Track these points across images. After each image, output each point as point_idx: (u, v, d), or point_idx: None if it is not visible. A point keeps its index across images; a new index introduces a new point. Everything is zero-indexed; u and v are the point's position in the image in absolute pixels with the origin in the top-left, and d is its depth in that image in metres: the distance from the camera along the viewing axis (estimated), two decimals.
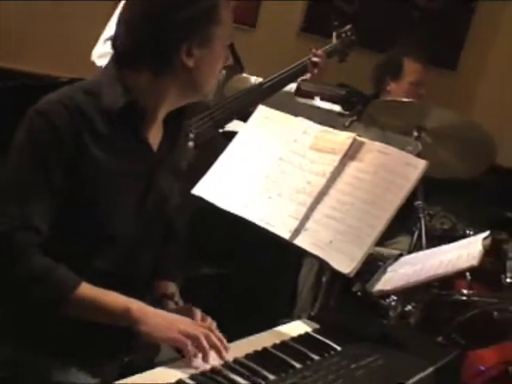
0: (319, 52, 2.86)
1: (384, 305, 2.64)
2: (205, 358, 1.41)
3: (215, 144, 2.45)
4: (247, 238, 3.31)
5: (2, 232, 1.39)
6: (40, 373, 1.46)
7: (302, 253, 3.15)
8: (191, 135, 2.48)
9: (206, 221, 3.12)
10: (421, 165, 1.73)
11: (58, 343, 1.47)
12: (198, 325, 1.48)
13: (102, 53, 2.61)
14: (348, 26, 3.08)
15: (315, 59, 2.84)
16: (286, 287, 3.27)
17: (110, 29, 2.59)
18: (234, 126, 2.65)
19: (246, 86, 2.89)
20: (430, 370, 1.56)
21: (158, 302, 1.65)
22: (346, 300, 2.86)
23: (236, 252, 3.34)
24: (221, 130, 2.76)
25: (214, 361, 1.42)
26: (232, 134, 2.02)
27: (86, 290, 1.42)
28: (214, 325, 1.53)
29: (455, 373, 1.71)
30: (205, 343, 1.41)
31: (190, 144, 2.37)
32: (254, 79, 2.96)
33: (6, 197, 1.43)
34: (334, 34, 3.05)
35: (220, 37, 1.53)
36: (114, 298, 1.43)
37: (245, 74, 3.00)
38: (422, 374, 1.53)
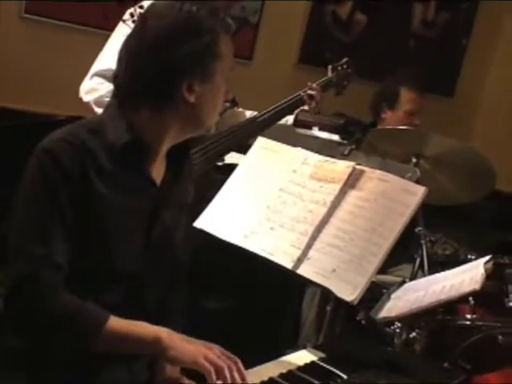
0: (314, 85, 2.88)
1: (389, 332, 2.65)
2: None
3: (208, 180, 2.46)
4: (250, 271, 3.35)
5: (30, 271, 1.42)
6: None
7: (303, 283, 3.21)
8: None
9: (208, 256, 3.14)
10: (420, 191, 1.75)
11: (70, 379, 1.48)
12: (225, 356, 1.47)
13: (88, 88, 2.62)
14: (344, 60, 3.10)
15: (311, 92, 2.86)
16: (289, 318, 3.26)
17: (97, 64, 2.62)
18: (231, 158, 2.66)
19: (241, 120, 2.89)
20: None
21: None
22: (350, 329, 2.86)
23: (239, 285, 3.35)
24: (219, 163, 2.77)
25: None
26: (228, 167, 2.04)
27: (116, 323, 1.45)
28: (239, 361, 1.49)
29: None
30: (227, 375, 1.42)
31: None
32: (249, 113, 2.98)
33: (26, 236, 1.46)
34: (330, 67, 3.07)
35: (221, 71, 1.56)
36: (144, 328, 1.47)
37: (240, 109, 3.01)
38: None
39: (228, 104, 2.76)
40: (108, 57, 2.54)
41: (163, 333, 1.46)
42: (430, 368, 1.86)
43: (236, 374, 1.44)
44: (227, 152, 2.75)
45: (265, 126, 2.78)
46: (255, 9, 3.91)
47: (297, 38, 4.13)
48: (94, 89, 2.58)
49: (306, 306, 3.17)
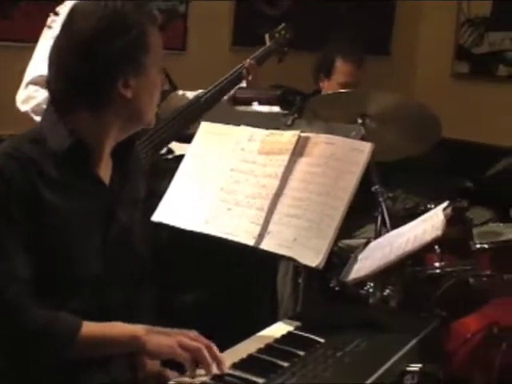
0: (249, 60, 2.88)
1: (363, 294, 2.68)
2: (207, 369, 1.42)
3: (157, 173, 2.44)
4: (218, 258, 3.35)
5: None
6: None
7: (274, 261, 3.23)
8: None
9: (173, 250, 3.13)
10: (367, 148, 1.76)
11: None
12: (198, 338, 1.48)
13: (24, 98, 2.59)
14: (281, 26, 3.08)
15: (247, 65, 2.86)
16: (266, 298, 3.28)
17: (29, 72, 2.58)
18: (180, 148, 2.65)
19: (183, 103, 2.87)
20: (414, 342, 1.59)
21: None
22: (325, 297, 2.88)
23: (209, 274, 3.35)
24: (169, 156, 2.75)
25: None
26: (177, 158, 2.03)
27: (90, 327, 1.45)
28: (213, 345, 1.49)
29: (439, 342, 1.74)
30: (206, 354, 1.43)
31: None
32: (191, 94, 2.96)
33: None
34: (267, 35, 3.06)
35: (153, 63, 1.55)
36: (120, 328, 1.47)
37: (180, 91, 2.98)
38: (406, 348, 1.55)
39: (168, 87, 2.74)
40: (39, 63, 2.50)
41: (139, 330, 1.46)
42: (404, 318, 1.88)
43: (215, 350, 1.45)
44: (173, 138, 2.73)
45: (207, 106, 2.77)
46: None
47: (227, 21, 4.12)
48: (31, 97, 2.55)
49: (281, 283, 3.19)
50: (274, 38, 3.06)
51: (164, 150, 2.73)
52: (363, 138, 1.85)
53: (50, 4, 3.16)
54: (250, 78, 2.76)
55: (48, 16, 2.55)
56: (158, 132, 2.69)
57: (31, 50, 2.62)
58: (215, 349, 1.47)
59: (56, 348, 1.42)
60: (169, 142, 2.72)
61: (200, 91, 2.89)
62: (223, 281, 3.33)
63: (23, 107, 2.58)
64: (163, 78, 1.66)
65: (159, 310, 2.28)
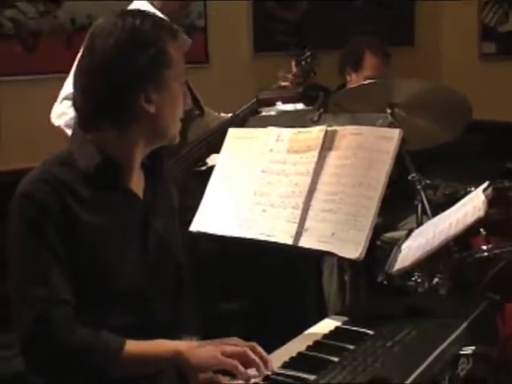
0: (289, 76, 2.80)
1: (411, 285, 2.64)
2: (258, 368, 1.42)
3: (189, 189, 2.44)
4: (261, 264, 3.34)
5: (38, 315, 1.42)
6: None
7: (318, 262, 3.20)
8: None
9: (216, 259, 3.14)
10: (395, 134, 1.74)
11: None
12: (240, 343, 1.48)
13: (58, 113, 2.63)
14: (307, 53, 2.97)
15: (284, 83, 2.81)
16: (313, 301, 3.26)
17: (65, 87, 2.62)
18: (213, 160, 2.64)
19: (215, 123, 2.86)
20: (464, 325, 1.56)
21: None
22: (373, 292, 2.85)
23: (256, 282, 3.35)
24: (203, 168, 2.75)
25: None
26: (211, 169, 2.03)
27: (133, 346, 1.46)
28: (257, 346, 1.49)
29: (491, 323, 1.70)
30: (253, 356, 1.43)
31: None
32: (221, 115, 2.96)
33: (24, 282, 1.46)
34: (293, 63, 2.96)
35: (174, 77, 1.56)
36: (163, 346, 1.48)
37: (221, 114, 2.98)
38: (457, 332, 1.53)
39: (197, 112, 2.75)
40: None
41: (181, 346, 1.48)
42: (453, 303, 1.85)
43: (260, 350, 1.45)
44: (204, 158, 2.73)
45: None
46: (199, 12, 3.91)
47: (246, 29, 4.13)
48: (64, 113, 2.60)
49: (326, 283, 3.17)
50: (300, 66, 2.96)
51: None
52: (390, 126, 1.82)
53: (72, 35, 3.24)
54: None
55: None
56: (189, 152, 2.69)
57: (55, 81, 2.66)
58: (259, 349, 1.47)
59: (100, 368, 1.43)
60: (199, 162, 2.72)
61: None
62: (268, 286, 3.33)
63: (57, 122, 2.64)
64: (185, 91, 1.66)
65: (204, 318, 2.28)
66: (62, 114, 2.60)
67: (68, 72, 2.36)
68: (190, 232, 1.93)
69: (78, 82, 1.55)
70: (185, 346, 1.48)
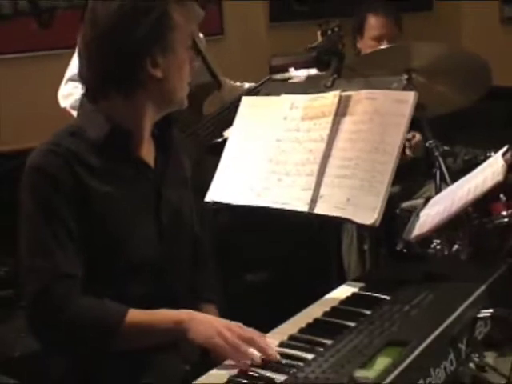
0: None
1: (431, 253, 2.62)
2: (244, 368, 1.36)
3: (204, 161, 2.43)
4: (280, 236, 3.34)
5: (40, 288, 1.43)
6: None
7: (338, 233, 3.19)
8: None
9: (237, 231, 3.14)
10: (410, 97, 1.72)
11: (118, 375, 1.48)
12: (242, 330, 1.44)
13: (64, 94, 2.64)
14: (334, 22, 2.81)
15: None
16: (332, 268, 3.25)
17: (70, 68, 2.61)
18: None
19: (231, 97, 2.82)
20: (483, 288, 1.55)
21: None
22: (393, 261, 2.84)
23: (276, 254, 3.35)
24: (219, 140, 2.72)
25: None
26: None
27: (136, 315, 1.45)
28: (259, 334, 1.45)
29: (510, 287, 1.68)
30: (241, 353, 1.37)
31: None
32: (241, 85, 2.92)
33: (30, 254, 1.47)
34: (319, 33, 2.91)
35: (180, 40, 1.54)
36: (165, 314, 1.47)
37: (237, 83, 2.94)
38: (474, 295, 1.51)
39: (214, 86, 2.73)
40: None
41: (184, 314, 1.46)
42: (471, 267, 1.84)
43: (261, 343, 1.39)
44: (219, 133, 2.70)
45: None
46: None
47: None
48: (70, 94, 2.60)
49: (346, 252, 3.16)
50: (327, 36, 2.89)
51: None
52: (405, 88, 1.80)
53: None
54: None
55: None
56: (204, 127, 2.67)
57: (71, 56, 2.65)
58: (259, 343, 1.40)
59: (103, 336, 1.43)
60: (215, 137, 2.69)
61: (246, 84, 2.82)
62: (287, 258, 3.33)
63: (63, 103, 2.64)
64: (192, 54, 1.64)
65: (227, 290, 2.29)
66: (68, 95, 2.61)
67: None
68: (208, 204, 1.92)
69: (83, 53, 1.55)
70: (187, 315, 1.46)
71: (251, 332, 1.44)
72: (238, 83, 2.99)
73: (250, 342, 1.39)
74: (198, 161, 2.42)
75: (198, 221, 1.75)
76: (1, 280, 2.84)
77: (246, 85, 2.87)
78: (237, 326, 1.45)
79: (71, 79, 2.58)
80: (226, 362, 1.39)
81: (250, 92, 2.61)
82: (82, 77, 1.56)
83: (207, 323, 1.45)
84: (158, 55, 1.51)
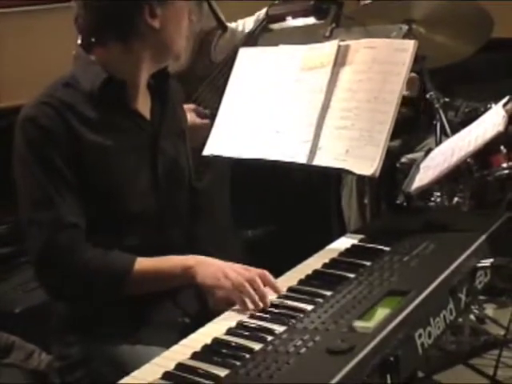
0: None
1: (432, 206, 2.61)
2: (254, 304, 1.39)
3: None
4: (284, 192, 3.33)
5: (45, 239, 1.43)
6: (115, 361, 1.46)
7: (337, 187, 3.18)
8: (204, 110, 2.39)
9: (235, 188, 3.12)
10: (410, 45, 1.68)
11: (117, 327, 1.49)
12: (246, 270, 1.46)
13: None
14: None
15: None
16: (333, 223, 3.25)
17: None
18: None
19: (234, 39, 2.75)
20: (483, 238, 1.54)
21: None
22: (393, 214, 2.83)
23: (274, 209, 3.34)
24: None
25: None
26: None
27: (144, 262, 1.46)
28: (266, 273, 1.47)
29: (510, 237, 1.67)
30: (249, 290, 1.40)
31: (206, 121, 2.27)
32: (236, 24, 2.85)
33: (31, 207, 1.46)
34: None
35: None
36: (172, 261, 1.48)
37: (232, 24, 2.87)
38: (475, 245, 1.50)
39: (219, 31, 2.67)
40: None
41: (191, 260, 1.47)
42: (471, 217, 1.83)
43: (260, 286, 1.41)
44: None
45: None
46: None
47: None
48: None
49: (346, 206, 3.15)
50: None
51: None
52: (405, 37, 1.76)
53: None
54: None
55: None
56: (220, 73, 2.62)
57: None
58: (269, 276, 1.44)
59: (112, 285, 1.44)
60: None
61: (247, 20, 2.75)
62: (287, 213, 3.33)
63: None
64: (192, 7, 1.61)
65: (230, 244, 2.28)
66: None
67: None
68: (207, 157, 1.90)
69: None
70: (194, 260, 1.47)
71: (257, 271, 1.45)
72: (238, 22, 2.90)
73: (256, 281, 1.41)
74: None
75: (213, 176, 1.73)
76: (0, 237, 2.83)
77: (248, 20, 2.78)
78: (242, 268, 1.46)
79: None
80: (226, 313, 1.39)
81: (252, 34, 2.55)
82: (77, 21, 1.53)
83: (214, 266, 1.46)
84: (156, 5, 1.49)
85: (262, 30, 2.44)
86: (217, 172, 2.44)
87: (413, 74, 2.87)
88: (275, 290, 1.43)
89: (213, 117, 2.42)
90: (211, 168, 1.77)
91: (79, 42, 1.55)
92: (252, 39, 2.52)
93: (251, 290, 1.40)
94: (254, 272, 1.46)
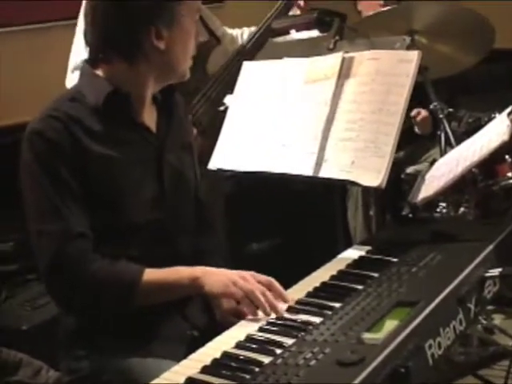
0: None
1: (437, 217, 2.60)
2: (264, 312, 1.40)
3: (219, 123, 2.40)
4: (286, 204, 3.32)
5: (55, 250, 1.43)
6: (124, 374, 1.46)
7: (343, 200, 3.17)
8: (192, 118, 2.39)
9: (241, 201, 3.12)
10: (414, 56, 1.69)
11: (126, 340, 1.49)
12: (255, 279, 1.46)
13: (73, 83, 2.58)
14: None
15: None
16: (339, 235, 3.24)
17: (73, 57, 2.56)
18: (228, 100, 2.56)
19: (235, 47, 2.76)
20: (490, 247, 1.53)
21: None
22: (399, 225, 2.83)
23: (282, 223, 3.34)
24: (222, 108, 2.69)
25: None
26: None
27: (151, 274, 1.47)
28: (274, 281, 1.48)
29: None
30: (259, 297, 1.41)
31: (194, 131, 2.29)
32: (236, 32, 2.86)
33: (39, 219, 1.47)
34: None
35: (186, 14, 1.54)
36: (180, 272, 1.49)
37: (229, 31, 2.89)
38: (482, 255, 1.50)
39: (207, 37, 2.68)
40: (81, 49, 2.48)
41: (198, 271, 1.48)
42: (478, 227, 1.82)
43: (269, 294, 1.42)
44: (229, 89, 2.63)
45: (256, 48, 2.61)
46: None
47: None
48: None
49: (352, 218, 3.15)
50: None
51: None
52: (409, 48, 1.77)
53: None
54: (301, 3, 2.51)
55: None
56: (213, 87, 2.63)
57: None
58: (277, 286, 1.45)
59: (121, 296, 1.44)
60: (225, 95, 2.64)
61: (247, 30, 2.76)
62: (293, 226, 3.32)
63: None
64: (198, 28, 1.62)
65: (233, 257, 2.27)
66: None
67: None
68: (212, 171, 1.90)
69: (89, 15, 1.53)
70: (201, 271, 1.48)
71: (265, 279, 1.46)
72: (237, 29, 2.91)
73: (262, 289, 1.42)
74: (213, 122, 2.37)
75: (207, 188, 1.74)
76: (6, 254, 2.83)
77: (246, 30, 2.80)
78: (250, 274, 1.47)
79: (76, 68, 2.53)
80: (235, 326, 1.39)
81: (251, 41, 2.55)
82: (86, 37, 1.55)
83: (221, 275, 1.47)
84: (162, 27, 1.51)
85: (258, 44, 2.45)
86: (210, 184, 2.45)
87: (425, 114, 2.89)
88: (283, 298, 1.44)
89: (203, 133, 2.44)
90: (205, 180, 1.78)
91: (87, 57, 1.57)
92: (245, 52, 2.53)
93: (261, 297, 1.40)
94: (263, 279, 1.47)
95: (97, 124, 1.50)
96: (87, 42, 1.55)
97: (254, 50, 2.59)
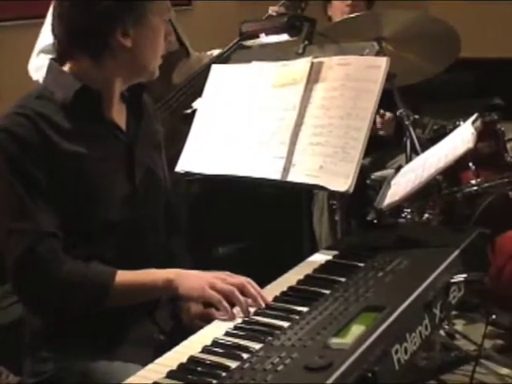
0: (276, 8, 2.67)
1: (402, 222, 2.62)
2: (243, 311, 1.40)
3: (177, 133, 2.39)
4: (255, 209, 3.32)
5: (24, 249, 1.41)
6: (90, 377, 1.44)
7: (308, 204, 3.18)
8: None
9: (205, 205, 3.11)
10: (383, 63, 1.70)
11: (94, 342, 1.47)
12: (232, 278, 1.46)
13: (36, 66, 2.55)
14: None
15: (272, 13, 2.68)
16: (304, 240, 3.25)
17: (40, 40, 2.54)
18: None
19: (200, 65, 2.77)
20: (456, 253, 1.55)
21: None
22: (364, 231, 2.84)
23: (245, 225, 3.33)
24: (188, 111, 2.67)
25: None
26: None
27: (124, 276, 1.45)
28: (250, 280, 1.48)
29: (482, 250, 1.69)
30: (239, 296, 1.41)
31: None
32: (210, 54, 2.87)
33: (9, 218, 1.44)
34: None
35: (154, 12, 1.53)
36: (153, 275, 1.47)
37: (207, 52, 2.89)
38: (448, 260, 1.51)
39: (177, 47, 2.67)
40: (49, 32, 2.45)
41: (171, 273, 1.47)
42: (444, 233, 1.84)
43: (250, 288, 1.42)
44: (190, 102, 2.65)
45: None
46: None
47: None
48: (42, 66, 2.50)
49: (317, 224, 3.16)
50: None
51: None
52: (378, 54, 1.78)
53: None
54: None
55: None
56: (175, 97, 2.62)
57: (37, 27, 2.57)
58: (253, 285, 1.45)
59: (92, 299, 1.42)
60: (186, 107, 2.64)
61: (215, 52, 2.78)
62: (259, 230, 3.32)
63: (35, 75, 2.55)
64: (168, 28, 1.61)
65: (198, 260, 2.26)
66: (41, 67, 2.52)
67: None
68: (179, 174, 1.89)
69: (57, 10, 1.52)
70: (175, 273, 1.47)
71: (241, 278, 1.45)
72: (207, 53, 2.93)
73: (241, 288, 1.41)
74: (171, 130, 2.37)
75: (172, 191, 1.73)
76: None
77: (215, 52, 2.82)
78: (225, 274, 1.46)
79: (43, 51, 2.50)
80: (201, 331, 1.37)
81: (220, 57, 2.56)
82: (53, 32, 1.54)
83: (196, 277, 1.46)
84: (129, 25, 1.49)
85: (233, 52, 2.44)
86: (175, 187, 2.45)
87: (389, 115, 2.92)
88: (262, 297, 1.43)
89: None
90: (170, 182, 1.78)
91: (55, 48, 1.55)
92: (223, 61, 2.52)
93: (241, 297, 1.40)
94: (241, 278, 1.46)
95: (65, 121, 1.48)
96: (55, 36, 1.53)
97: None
